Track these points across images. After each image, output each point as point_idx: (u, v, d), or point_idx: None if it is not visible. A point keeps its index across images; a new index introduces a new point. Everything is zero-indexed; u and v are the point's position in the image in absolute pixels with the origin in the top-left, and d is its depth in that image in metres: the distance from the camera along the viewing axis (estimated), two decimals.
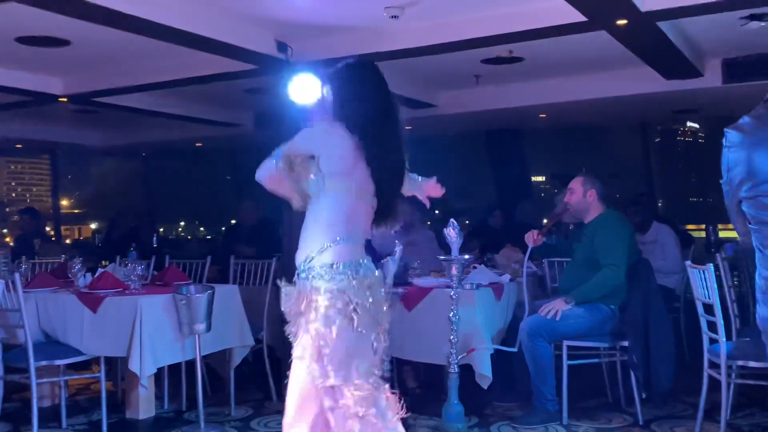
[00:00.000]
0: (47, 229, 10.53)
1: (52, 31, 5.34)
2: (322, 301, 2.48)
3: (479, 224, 8.45)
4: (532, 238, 4.70)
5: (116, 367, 5.09)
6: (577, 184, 4.67)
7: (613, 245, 4.43)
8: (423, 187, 2.97)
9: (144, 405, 4.60)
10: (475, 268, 4.96)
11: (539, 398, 4.36)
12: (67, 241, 11.63)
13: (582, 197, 4.64)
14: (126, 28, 4.84)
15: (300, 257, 2.57)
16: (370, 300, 2.52)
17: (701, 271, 3.88)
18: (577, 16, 4.71)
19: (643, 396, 4.39)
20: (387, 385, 2.60)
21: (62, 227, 12.25)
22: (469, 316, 4.29)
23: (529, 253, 4.71)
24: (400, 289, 4.52)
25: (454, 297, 4.04)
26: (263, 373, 5.08)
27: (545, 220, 8.38)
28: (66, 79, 6.90)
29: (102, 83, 6.72)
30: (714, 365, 3.91)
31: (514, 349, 4.36)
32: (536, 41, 5.36)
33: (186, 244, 11.24)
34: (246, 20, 5.26)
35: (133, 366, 4.16)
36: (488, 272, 4.95)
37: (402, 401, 2.60)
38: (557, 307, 4.38)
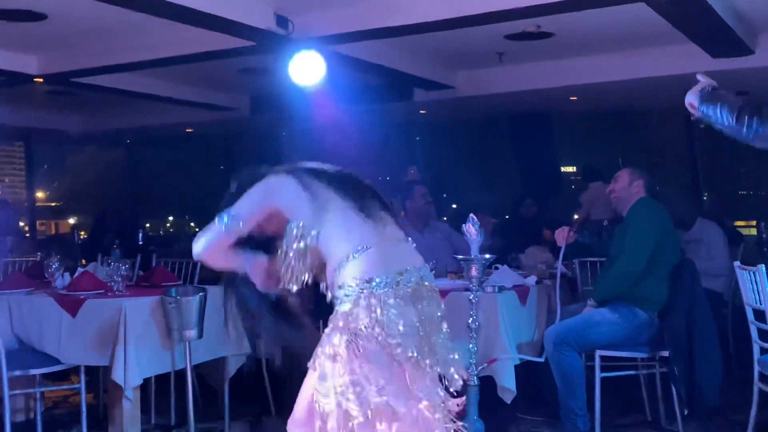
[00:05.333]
0: (21, 224, 10.60)
1: (27, 4, 5.36)
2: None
3: (512, 216, 8.39)
4: (563, 236, 4.69)
5: (98, 377, 5.12)
6: (624, 173, 4.69)
7: (637, 232, 4.43)
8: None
9: (128, 420, 4.61)
10: (497, 268, 4.96)
11: (567, 414, 4.35)
12: (44, 237, 11.70)
13: (627, 185, 4.63)
14: (109, 0, 4.86)
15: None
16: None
17: (752, 273, 3.86)
18: None
19: (686, 413, 4.38)
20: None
21: (38, 222, 12.33)
22: (490, 323, 4.29)
23: (563, 253, 4.72)
24: None
25: (473, 301, 4.05)
26: (261, 384, 5.10)
27: (576, 216, 8.37)
28: (42, 58, 6.93)
29: (82, 62, 6.75)
30: (765, 378, 3.90)
31: (541, 359, 4.36)
32: (567, 14, 5.35)
33: (175, 240, 11.28)
34: None
35: (117, 376, 4.18)
36: (512, 273, 4.95)
37: None
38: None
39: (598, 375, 4.35)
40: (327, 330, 2.44)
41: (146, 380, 4.56)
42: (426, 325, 2.42)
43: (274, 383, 5.01)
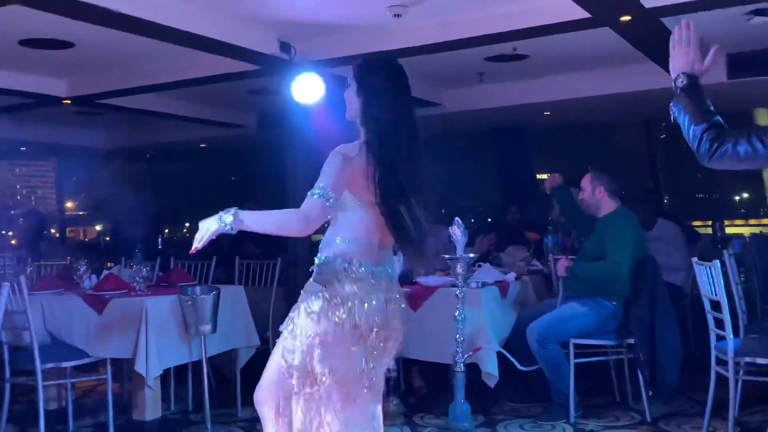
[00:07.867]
0: (52, 231, 10.56)
1: (56, 34, 5.36)
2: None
3: (495, 221, 8.42)
4: (563, 267, 4.63)
5: (122, 368, 5.10)
6: (586, 182, 4.69)
7: (618, 244, 4.43)
8: None
9: (150, 406, 4.61)
10: (479, 266, 4.97)
11: (558, 394, 4.39)
12: (72, 243, 11.66)
13: (591, 194, 4.65)
14: (129, 29, 4.86)
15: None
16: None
17: (708, 268, 3.88)
18: (581, 13, 4.70)
19: (651, 394, 4.39)
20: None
21: (67, 229, 12.28)
22: (474, 315, 4.29)
23: (556, 270, 4.80)
24: (405, 289, 4.51)
25: (459, 296, 4.05)
26: None
27: (550, 218, 8.38)
28: (69, 81, 6.92)
29: (105, 85, 6.74)
30: (721, 362, 3.91)
31: (528, 369, 4.36)
32: (540, 38, 5.36)
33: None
34: (249, 20, 5.27)
35: (139, 367, 4.18)
36: (493, 270, 4.97)
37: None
38: (560, 267, 4.55)
39: (573, 361, 4.35)
40: (303, 294, 2.51)
41: (166, 371, 4.56)
42: (390, 307, 2.53)
43: None
